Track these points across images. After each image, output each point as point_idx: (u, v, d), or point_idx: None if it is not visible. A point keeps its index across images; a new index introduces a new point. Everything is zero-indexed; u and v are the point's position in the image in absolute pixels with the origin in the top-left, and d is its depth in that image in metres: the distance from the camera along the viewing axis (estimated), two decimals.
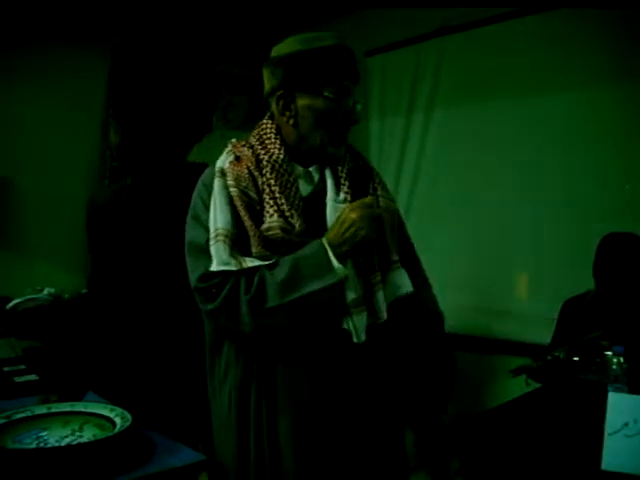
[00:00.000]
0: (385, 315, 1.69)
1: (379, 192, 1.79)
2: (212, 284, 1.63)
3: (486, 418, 2.25)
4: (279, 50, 1.75)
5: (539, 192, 3.73)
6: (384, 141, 4.39)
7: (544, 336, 3.12)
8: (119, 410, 1.76)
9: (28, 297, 3.63)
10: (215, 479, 1.72)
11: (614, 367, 2.09)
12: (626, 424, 1.74)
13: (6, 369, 2.38)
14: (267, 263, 1.63)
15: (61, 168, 4.25)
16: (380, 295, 1.69)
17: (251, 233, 1.64)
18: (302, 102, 1.71)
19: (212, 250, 1.64)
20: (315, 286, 1.59)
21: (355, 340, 1.65)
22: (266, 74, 1.77)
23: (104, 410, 1.79)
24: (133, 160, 2.23)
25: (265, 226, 1.64)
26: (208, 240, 1.66)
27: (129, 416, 1.71)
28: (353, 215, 1.62)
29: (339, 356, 1.69)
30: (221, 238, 1.63)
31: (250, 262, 1.63)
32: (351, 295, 1.63)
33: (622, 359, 2.09)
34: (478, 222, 3.98)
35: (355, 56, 1.76)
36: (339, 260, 1.61)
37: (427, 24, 4.23)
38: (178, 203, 1.99)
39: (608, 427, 1.74)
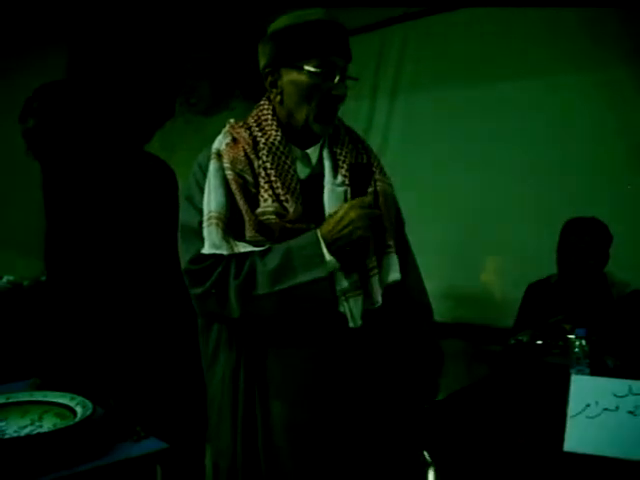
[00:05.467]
0: (380, 300, 1.70)
1: (377, 176, 1.79)
2: (203, 267, 1.62)
3: (448, 403, 2.26)
4: (272, 27, 1.75)
5: (505, 176, 3.76)
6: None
7: (508, 320, 3.15)
8: (80, 399, 1.73)
9: None
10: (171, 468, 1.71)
11: (576, 350, 2.11)
12: (588, 405, 1.76)
13: None
14: (260, 249, 1.62)
15: (15, 154, 4.17)
16: (375, 280, 1.70)
17: (246, 217, 1.63)
18: (287, 77, 1.71)
19: (205, 233, 1.63)
20: (305, 278, 1.59)
21: (351, 325, 1.66)
22: (259, 52, 1.77)
23: (64, 399, 1.75)
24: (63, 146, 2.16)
25: (260, 210, 1.64)
26: (201, 223, 1.65)
27: (90, 404, 1.68)
28: (352, 214, 1.61)
29: (335, 340, 1.69)
30: (214, 221, 1.62)
31: (242, 247, 1.62)
32: (343, 284, 1.63)
33: (584, 342, 2.12)
34: (443, 207, 4.00)
35: (346, 32, 1.75)
36: (332, 254, 1.61)
37: (390, 9, 4.22)
38: (133, 194, 1.96)
39: (570, 409, 1.76)
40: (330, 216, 1.66)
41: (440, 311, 3.90)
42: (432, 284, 4.04)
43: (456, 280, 3.97)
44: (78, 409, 1.68)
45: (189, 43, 4.77)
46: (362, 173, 1.72)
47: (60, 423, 1.64)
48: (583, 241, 2.79)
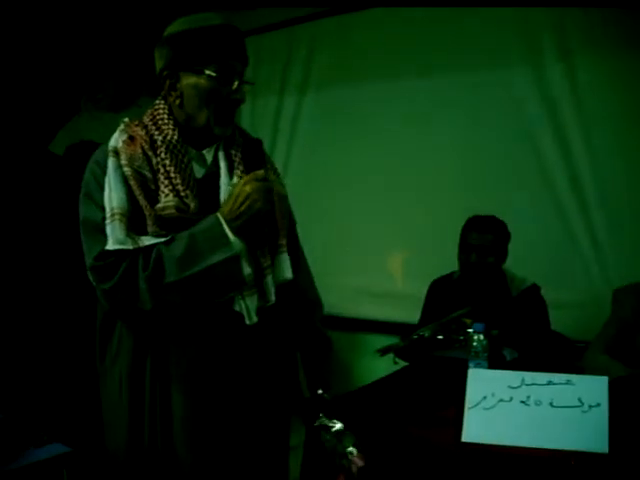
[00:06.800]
0: (274, 298, 1.75)
1: (271, 177, 1.82)
2: (109, 262, 1.63)
3: (353, 397, 2.32)
4: (168, 30, 1.77)
5: (411, 174, 3.84)
6: (255, 123, 4.36)
7: (414, 316, 3.23)
8: None
9: None
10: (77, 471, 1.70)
11: (475, 344, 2.21)
12: (484, 397, 1.83)
13: None
14: (163, 240, 1.65)
15: None
16: (269, 279, 1.75)
17: (146, 213, 1.66)
18: (186, 81, 1.73)
19: (108, 230, 1.64)
20: (213, 259, 1.62)
21: (247, 322, 1.70)
22: (156, 55, 1.79)
23: None
24: None
25: (160, 205, 1.66)
26: (104, 219, 1.65)
27: None
28: (247, 188, 1.66)
29: (231, 337, 1.74)
30: (117, 217, 1.64)
31: (147, 240, 1.65)
32: (247, 270, 1.67)
33: (482, 336, 2.21)
34: (350, 204, 4.05)
35: (243, 37, 1.78)
36: (235, 234, 1.65)
37: (300, 7, 4.23)
38: (30, 195, 1.93)
39: (468, 401, 1.84)
40: (227, 198, 1.70)
41: (343, 306, 3.98)
42: (334, 279, 4.01)
43: (360, 275, 4.04)
44: None
45: (94, 39, 4.65)
46: (253, 149, 1.77)
47: None
48: (483, 239, 2.88)
